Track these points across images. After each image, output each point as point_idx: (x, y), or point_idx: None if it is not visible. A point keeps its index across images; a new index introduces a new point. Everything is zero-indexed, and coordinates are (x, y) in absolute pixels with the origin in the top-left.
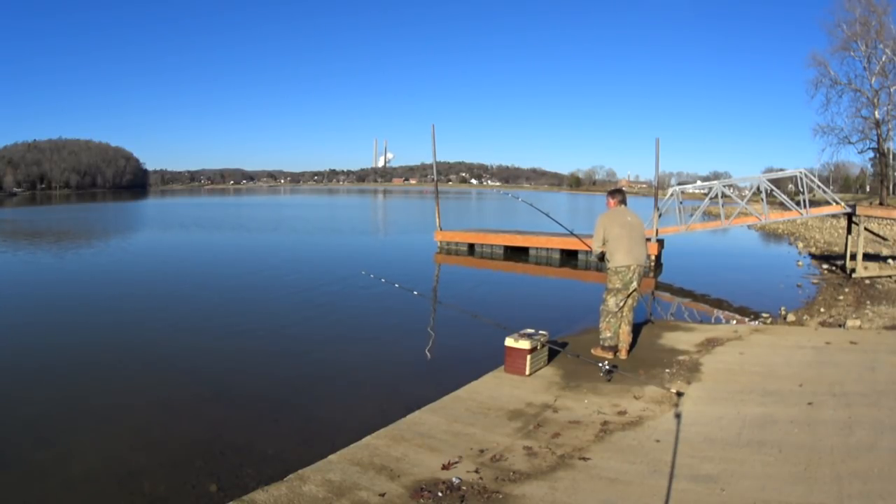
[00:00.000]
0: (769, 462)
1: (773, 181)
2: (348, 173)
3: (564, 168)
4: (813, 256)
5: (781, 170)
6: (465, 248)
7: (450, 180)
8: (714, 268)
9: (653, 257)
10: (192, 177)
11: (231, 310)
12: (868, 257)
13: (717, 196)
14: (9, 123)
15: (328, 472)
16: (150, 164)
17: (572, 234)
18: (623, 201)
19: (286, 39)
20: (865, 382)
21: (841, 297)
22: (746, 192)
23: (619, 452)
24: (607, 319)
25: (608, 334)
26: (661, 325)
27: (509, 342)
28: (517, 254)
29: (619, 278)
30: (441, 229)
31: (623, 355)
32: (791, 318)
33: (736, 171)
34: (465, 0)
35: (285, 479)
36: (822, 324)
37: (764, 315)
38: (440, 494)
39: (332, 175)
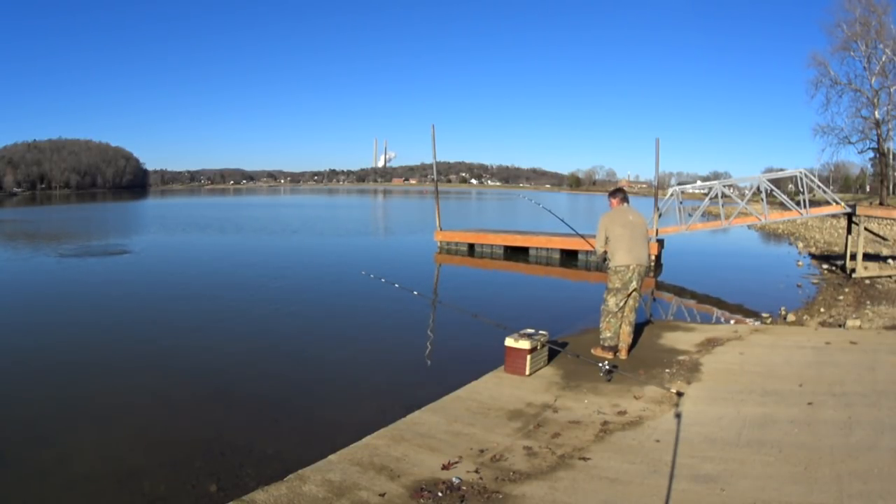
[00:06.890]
0: (769, 462)
1: (773, 181)
2: (348, 173)
3: (564, 168)
4: (813, 256)
5: (781, 170)
6: (465, 248)
7: (450, 180)
8: (714, 268)
9: (653, 257)
10: (192, 177)
11: (230, 310)
12: (868, 257)
13: (717, 196)
14: (9, 123)
15: (328, 472)
16: (150, 164)
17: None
18: (625, 200)
19: (286, 39)
20: (865, 382)
21: (841, 297)
22: (746, 192)
23: (619, 452)
24: (607, 319)
25: (608, 334)
26: (661, 325)
27: (509, 342)
28: (517, 254)
29: (619, 278)
30: (441, 229)
31: (623, 355)
32: (791, 318)
33: (736, 171)
34: (465, 0)
35: (285, 479)
36: (822, 324)
37: (764, 315)
38: (440, 494)
39: (332, 175)
